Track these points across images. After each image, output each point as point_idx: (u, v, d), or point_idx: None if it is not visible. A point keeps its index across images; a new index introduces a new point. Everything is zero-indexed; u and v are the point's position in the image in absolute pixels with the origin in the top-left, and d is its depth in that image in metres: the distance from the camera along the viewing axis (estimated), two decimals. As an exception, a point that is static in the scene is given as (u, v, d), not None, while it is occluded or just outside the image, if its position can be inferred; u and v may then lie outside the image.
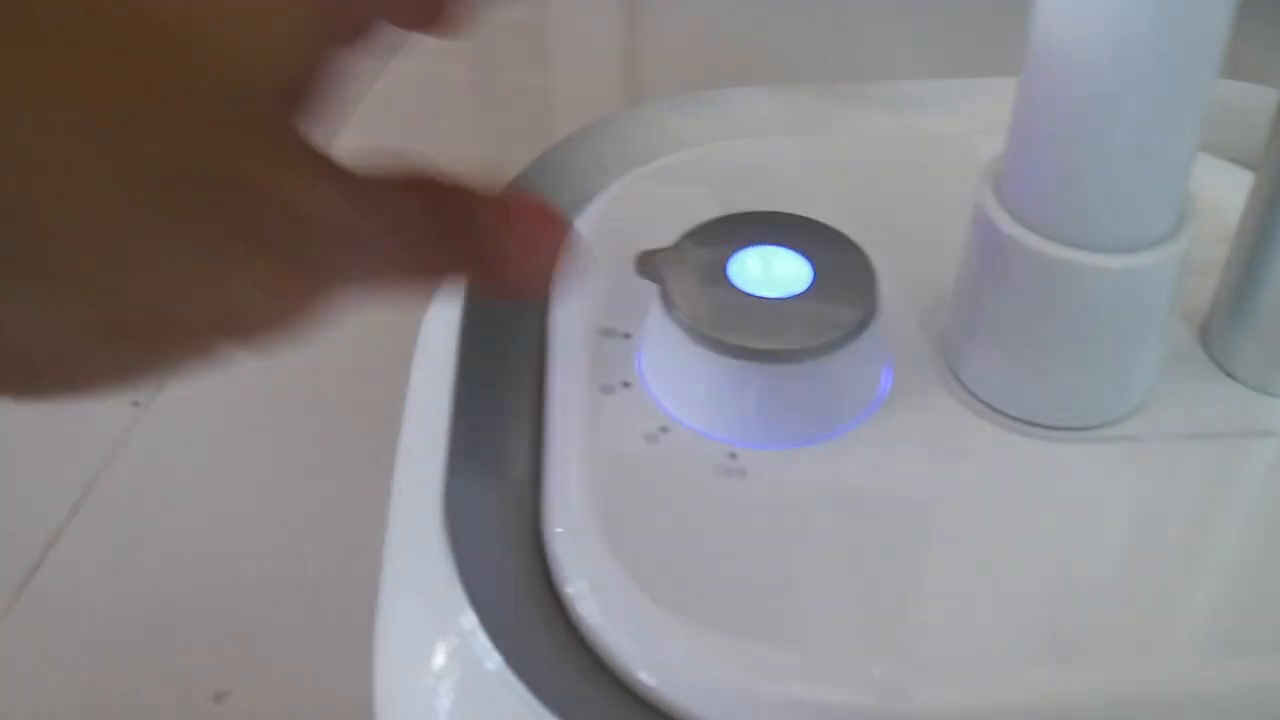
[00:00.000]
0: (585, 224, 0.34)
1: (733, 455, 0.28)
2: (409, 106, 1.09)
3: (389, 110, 1.07)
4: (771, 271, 0.28)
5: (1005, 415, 0.29)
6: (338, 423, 0.78)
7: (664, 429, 0.28)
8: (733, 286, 0.28)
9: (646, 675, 0.25)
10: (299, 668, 0.65)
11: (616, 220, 0.34)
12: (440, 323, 0.33)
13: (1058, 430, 0.28)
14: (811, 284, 0.28)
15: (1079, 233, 0.26)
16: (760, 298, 0.27)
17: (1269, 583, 0.26)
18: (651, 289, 0.29)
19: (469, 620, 0.26)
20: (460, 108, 1.08)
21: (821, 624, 0.25)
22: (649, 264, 0.28)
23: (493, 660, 0.25)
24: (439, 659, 0.26)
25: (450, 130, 1.04)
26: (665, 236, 0.30)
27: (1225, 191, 0.31)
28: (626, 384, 0.29)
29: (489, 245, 0.21)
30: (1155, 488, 0.28)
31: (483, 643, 0.25)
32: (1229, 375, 0.30)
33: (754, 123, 0.37)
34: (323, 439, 0.77)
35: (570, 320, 0.31)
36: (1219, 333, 0.30)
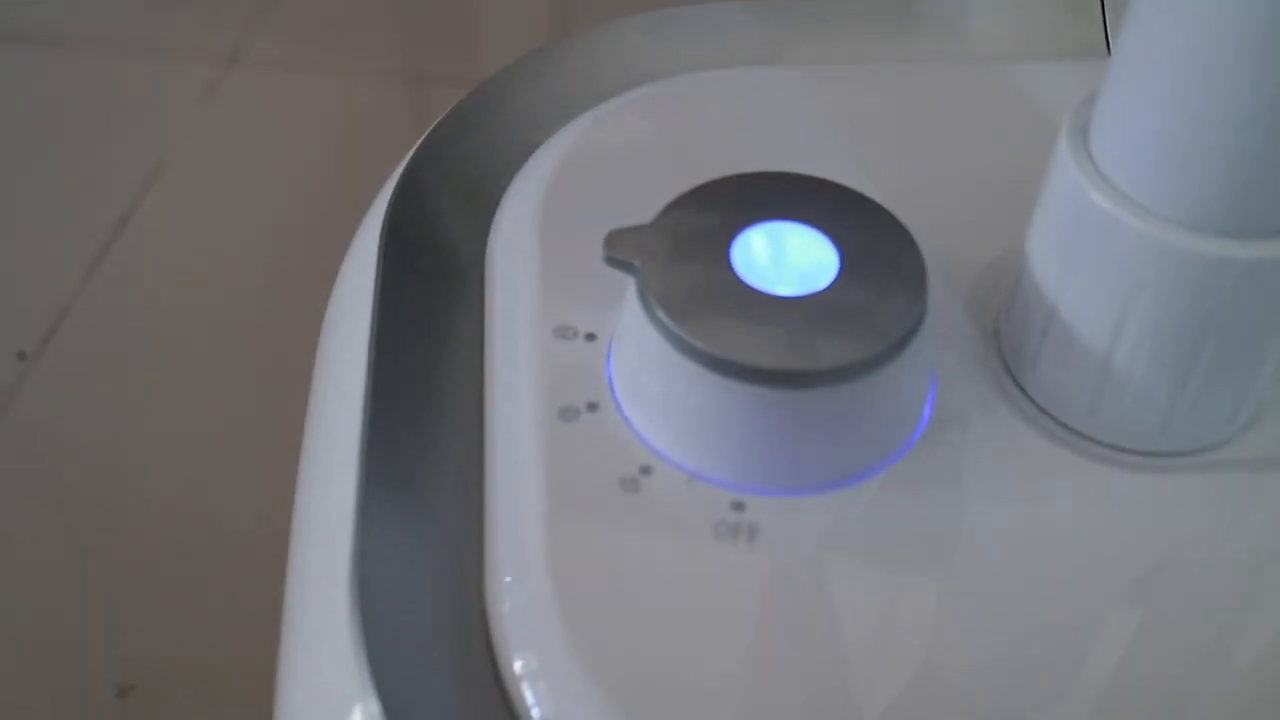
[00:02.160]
0: (531, 179, 0.27)
1: (738, 506, 0.21)
2: (327, 10, 0.99)
3: (306, 15, 0.97)
4: (785, 257, 0.21)
5: (1086, 438, 0.22)
6: (239, 372, 0.71)
7: (646, 470, 0.21)
8: (737, 279, 0.21)
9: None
10: (209, 658, 0.58)
11: (573, 176, 0.26)
12: (351, 311, 0.26)
13: (1153, 458, 0.22)
14: (839, 275, 0.21)
15: (1205, 211, 0.19)
16: (773, 296, 0.20)
17: None
18: (624, 281, 0.21)
19: (372, 711, 0.19)
20: (381, 12, 0.99)
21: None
22: (621, 247, 0.21)
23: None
24: None
25: (370, 36, 0.95)
26: (638, 199, 0.23)
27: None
28: (594, 406, 0.22)
29: None
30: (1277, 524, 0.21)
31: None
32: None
33: (745, 47, 0.30)
34: (222, 387, 0.69)
35: (514, 315, 0.24)
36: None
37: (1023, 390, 0.23)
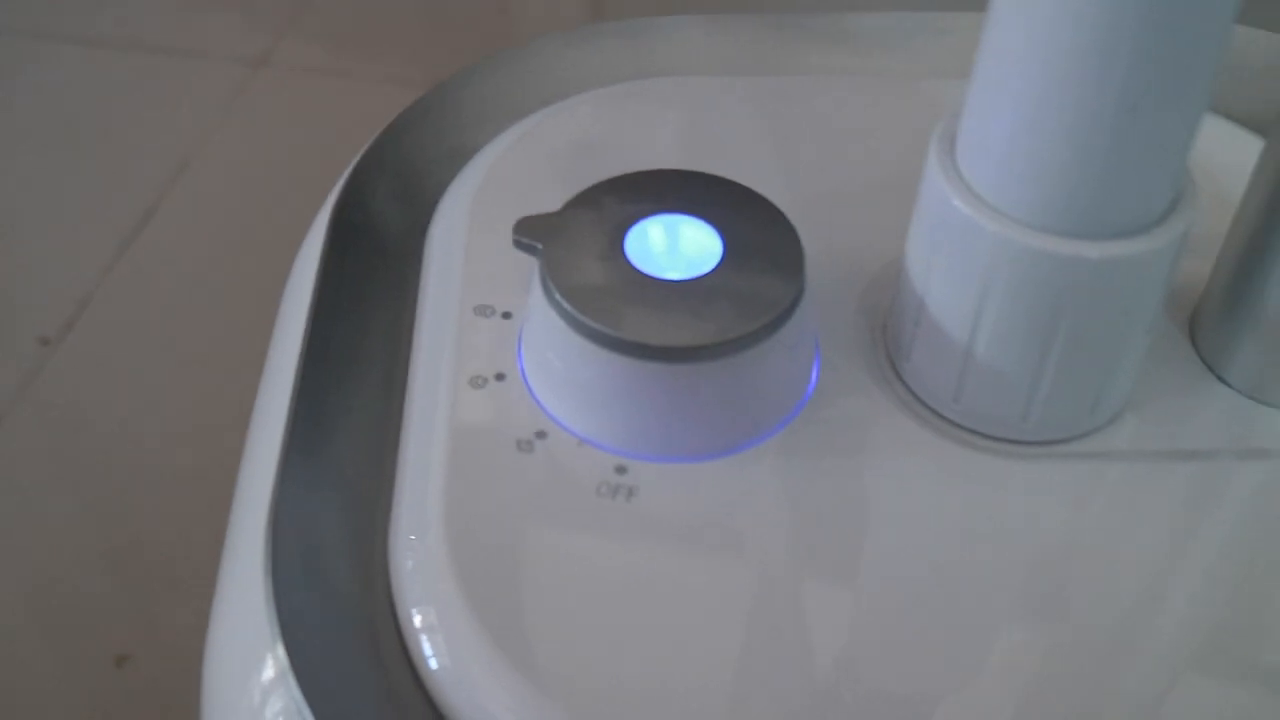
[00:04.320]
0: (472, 177, 0.29)
1: (620, 469, 0.23)
2: (357, 16, 1.02)
3: (337, 22, 1.00)
4: (677, 245, 0.23)
5: (954, 425, 0.24)
6: (252, 365, 0.73)
7: (541, 434, 0.23)
8: (627, 264, 0.23)
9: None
10: (202, 631, 0.61)
11: (509, 173, 0.29)
12: (297, 289, 0.28)
13: (1017, 445, 0.24)
14: (722, 261, 0.23)
15: (1052, 214, 0.21)
16: (658, 279, 0.22)
17: (1264, 634, 0.21)
18: (534, 264, 0.24)
19: (280, 659, 0.21)
20: (411, 20, 1.02)
21: (715, 689, 0.20)
22: (528, 231, 0.23)
23: (304, 714, 0.20)
24: (253, 700, 0.22)
25: (399, 44, 0.97)
26: (560, 195, 0.25)
27: (1230, 160, 0.26)
28: (501, 376, 0.24)
29: None
30: (1131, 516, 0.23)
31: (294, 690, 0.21)
32: (1221, 380, 0.25)
33: (680, 58, 0.32)
34: (234, 378, 0.72)
35: (443, 294, 0.26)
36: (1211, 328, 0.26)
37: (900, 378, 0.25)
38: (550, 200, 0.26)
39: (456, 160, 0.29)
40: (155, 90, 0.95)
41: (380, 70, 0.96)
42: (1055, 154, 0.20)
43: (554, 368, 0.23)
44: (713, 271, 0.23)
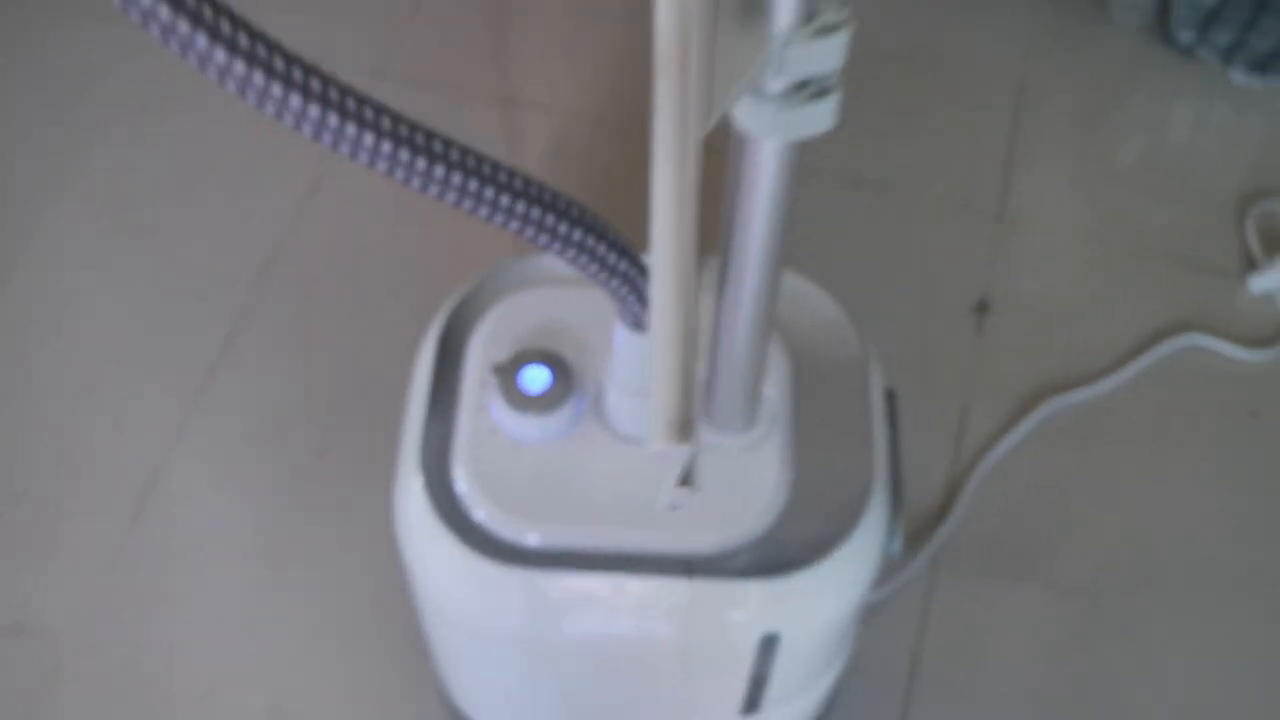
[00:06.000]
0: (486, 325, 0.84)
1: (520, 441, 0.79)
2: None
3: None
4: (538, 378, 0.79)
5: (620, 432, 0.80)
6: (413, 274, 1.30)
7: (499, 425, 0.80)
8: (517, 385, 0.79)
9: (480, 515, 0.78)
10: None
11: (500, 325, 0.84)
12: (428, 346, 0.84)
13: (637, 442, 0.80)
14: (550, 385, 0.79)
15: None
16: (528, 392, 0.78)
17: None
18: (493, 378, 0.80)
19: (419, 481, 0.79)
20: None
21: (548, 500, 0.77)
22: (496, 369, 0.79)
23: (425, 503, 0.78)
24: (407, 499, 0.80)
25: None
26: (519, 336, 0.80)
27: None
28: (489, 404, 0.81)
29: None
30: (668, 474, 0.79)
31: (422, 494, 0.79)
32: (710, 422, 0.81)
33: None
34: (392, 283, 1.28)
35: (473, 367, 0.82)
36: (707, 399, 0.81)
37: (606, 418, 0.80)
38: (513, 339, 0.81)
39: (476, 318, 0.85)
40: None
41: (475, 87, 1.46)
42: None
43: (502, 409, 0.80)
44: (548, 388, 0.79)
